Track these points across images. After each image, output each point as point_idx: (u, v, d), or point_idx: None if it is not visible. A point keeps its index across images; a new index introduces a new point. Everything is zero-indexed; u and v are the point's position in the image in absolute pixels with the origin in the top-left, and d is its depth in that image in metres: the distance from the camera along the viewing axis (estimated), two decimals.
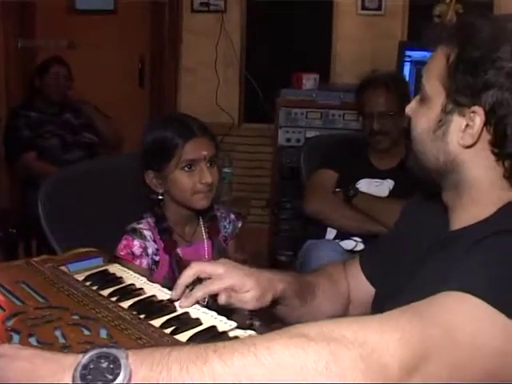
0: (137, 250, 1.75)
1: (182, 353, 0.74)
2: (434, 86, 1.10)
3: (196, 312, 1.08)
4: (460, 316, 0.82)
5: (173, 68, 3.99)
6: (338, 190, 2.54)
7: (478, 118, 1.03)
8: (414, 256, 1.22)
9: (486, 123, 1.03)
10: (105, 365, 0.71)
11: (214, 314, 1.07)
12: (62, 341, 0.94)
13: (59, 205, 1.87)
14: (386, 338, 0.76)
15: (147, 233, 1.78)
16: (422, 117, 1.12)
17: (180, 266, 1.75)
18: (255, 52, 3.94)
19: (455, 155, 1.09)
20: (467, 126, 1.05)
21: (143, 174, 1.80)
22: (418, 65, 3.45)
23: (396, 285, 1.21)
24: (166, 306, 1.10)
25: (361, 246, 2.43)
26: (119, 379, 0.70)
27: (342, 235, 2.49)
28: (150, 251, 1.77)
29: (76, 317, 1.02)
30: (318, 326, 0.77)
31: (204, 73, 3.96)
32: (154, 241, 1.78)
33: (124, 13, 4.07)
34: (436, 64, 1.11)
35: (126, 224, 1.82)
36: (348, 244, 2.46)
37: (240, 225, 2.00)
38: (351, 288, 1.41)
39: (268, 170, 3.86)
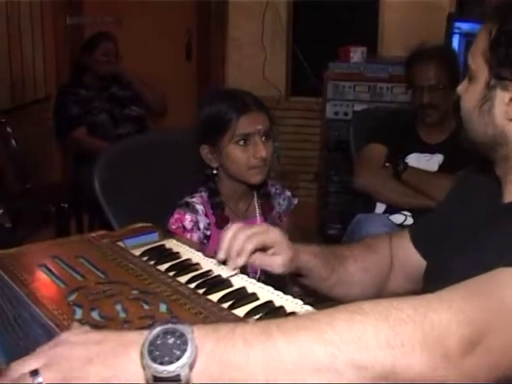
0: (188, 223, 1.77)
1: (247, 328, 0.75)
2: (478, 62, 1.11)
3: (252, 287, 1.09)
4: None
5: (220, 41, 3.99)
6: (387, 164, 2.52)
7: None
8: (466, 229, 1.22)
9: None
10: (171, 340, 0.72)
11: (271, 288, 1.08)
12: (122, 315, 0.95)
13: (114, 179, 1.91)
14: (445, 315, 0.76)
15: (199, 207, 1.79)
16: (469, 94, 1.14)
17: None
18: (302, 25, 3.91)
19: (502, 128, 1.10)
20: (510, 99, 1.07)
21: (198, 149, 1.82)
22: (467, 36, 3.38)
23: (447, 259, 1.21)
24: (223, 281, 1.11)
25: (410, 221, 2.42)
26: (186, 354, 0.71)
27: (392, 209, 2.48)
28: (201, 225, 1.78)
29: (135, 291, 1.04)
30: (377, 303, 0.78)
31: (251, 46, 3.95)
32: (206, 215, 1.80)
33: None
34: (480, 41, 1.12)
35: (180, 199, 1.85)
36: (397, 218, 2.45)
37: (296, 202, 2.00)
38: (398, 258, 1.41)
39: (315, 143, 3.85)
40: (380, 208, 2.51)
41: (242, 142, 1.76)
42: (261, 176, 1.80)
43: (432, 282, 1.25)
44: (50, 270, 1.12)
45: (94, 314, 0.96)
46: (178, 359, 0.71)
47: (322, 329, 0.74)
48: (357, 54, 3.51)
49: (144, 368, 0.72)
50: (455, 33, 3.42)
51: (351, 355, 0.71)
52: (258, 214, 1.89)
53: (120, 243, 1.29)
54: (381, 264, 1.39)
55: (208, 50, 4.04)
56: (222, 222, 1.80)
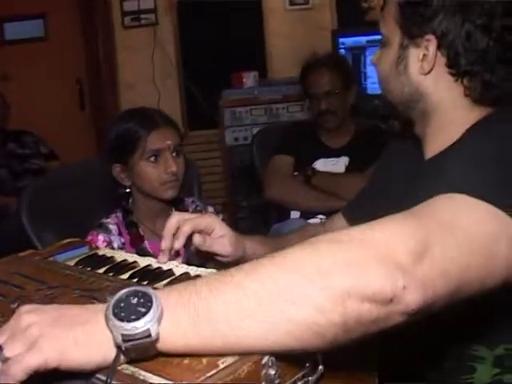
0: (101, 244, 1.76)
1: (207, 278, 0.77)
2: (390, 27, 1.19)
3: (195, 272, 1.10)
4: (448, 208, 0.88)
5: (112, 86, 3.99)
6: (296, 173, 2.60)
7: (432, 45, 1.12)
8: (395, 194, 1.28)
9: (440, 48, 1.12)
10: (135, 301, 0.72)
11: (214, 270, 1.09)
12: None
13: (41, 214, 1.89)
14: (392, 233, 0.81)
15: (112, 227, 1.79)
16: (384, 59, 1.21)
17: None
18: (192, 59, 3.97)
19: (418, 84, 1.17)
20: (424, 55, 1.14)
21: (110, 168, 1.81)
22: (352, 50, 3.55)
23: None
24: (165, 271, 1.11)
25: None
26: (153, 308, 0.71)
27: (306, 215, 2.54)
28: (115, 245, 1.78)
29: (78, 291, 1.02)
30: (326, 234, 0.82)
31: (143, 87, 3.97)
32: (120, 234, 1.80)
33: (55, 38, 4.05)
34: (389, 7, 1.20)
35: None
36: (313, 222, 2.50)
37: (221, 218, 2.01)
38: None
39: (219, 174, 3.89)
40: (294, 216, 2.56)
41: (152, 159, 1.78)
42: (173, 191, 1.81)
43: None
44: None
45: None
46: (144, 315, 0.71)
47: (280, 261, 0.76)
48: (249, 79, 3.60)
49: (111, 330, 0.71)
50: (341, 48, 3.59)
51: (313, 278, 0.73)
52: None
53: (51, 259, 1.26)
54: None
55: (101, 96, 4.04)
56: (136, 241, 1.80)
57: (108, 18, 3.89)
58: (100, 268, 1.17)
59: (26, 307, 0.76)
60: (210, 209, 2.01)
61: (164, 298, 0.73)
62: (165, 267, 1.14)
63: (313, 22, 3.93)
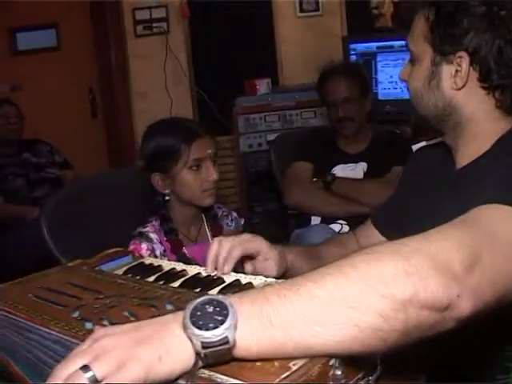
0: (145, 252, 1.81)
1: (275, 286, 0.81)
2: (420, 45, 1.25)
3: (244, 279, 1.13)
4: (495, 219, 0.93)
5: (124, 95, 4.03)
6: (315, 179, 2.64)
7: (464, 62, 1.19)
8: (427, 202, 1.32)
9: (472, 64, 1.19)
10: (210, 309, 0.76)
11: (263, 277, 1.13)
12: (133, 319, 0.97)
13: (62, 225, 1.91)
14: (446, 243, 0.85)
15: (153, 235, 1.83)
16: (415, 75, 1.28)
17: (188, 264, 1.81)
18: (203, 67, 4.01)
19: (451, 98, 1.23)
20: (456, 71, 1.20)
21: (149, 177, 1.86)
22: (363, 56, 3.59)
23: (419, 229, 1.30)
24: (215, 279, 1.15)
25: (346, 228, 2.52)
26: (230, 316, 0.75)
27: (327, 221, 2.58)
28: (157, 253, 1.82)
29: (136, 299, 1.06)
30: (386, 244, 0.87)
31: (156, 95, 4.01)
32: (161, 242, 1.84)
33: (68, 48, 4.09)
34: (417, 27, 1.26)
35: (129, 232, 1.87)
36: (334, 228, 2.54)
37: (243, 222, 2.06)
38: (363, 247, 1.49)
39: (232, 180, 3.92)
40: (315, 221, 2.60)
41: (194, 167, 1.83)
42: (213, 198, 1.88)
43: None
44: (42, 298, 1.12)
45: (105, 323, 0.97)
46: (222, 323, 0.75)
47: (346, 271, 0.80)
48: (263, 86, 3.65)
49: (191, 339, 0.75)
50: (352, 54, 3.63)
51: (378, 287, 0.77)
52: (209, 237, 1.94)
53: (98, 268, 1.30)
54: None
55: (113, 104, 4.08)
56: (176, 247, 1.85)
57: (120, 27, 3.93)
58: (149, 277, 1.21)
59: (103, 329, 0.79)
60: (234, 214, 2.06)
61: (236, 306, 0.77)
62: (213, 275, 1.18)
63: (323, 28, 3.97)
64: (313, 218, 2.61)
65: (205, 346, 0.74)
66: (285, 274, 1.32)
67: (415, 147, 2.78)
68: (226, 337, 0.74)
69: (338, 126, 2.69)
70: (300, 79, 3.94)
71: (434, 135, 1.39)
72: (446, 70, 1.21)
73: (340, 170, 2.64)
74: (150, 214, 1.91)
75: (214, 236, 1.95)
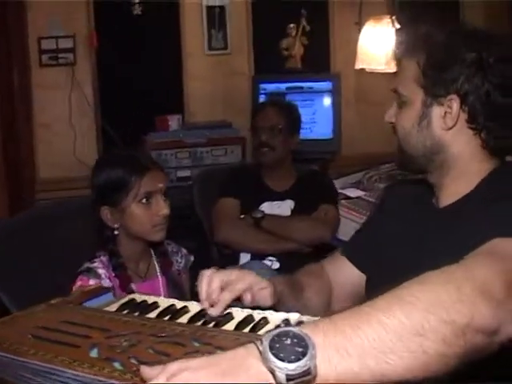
0: None
1: (343, 317, 0.83)
2: (411, 88, 1.33)
3: (256, 314, 1.14)
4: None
5: (27, 127, 3.86)
6: (242, 216, 2.66)
7: (455, 104, 1.27)
8: (407, 238, 1.38)
9: (461, 106, 1.27)
10: (289, 341, 0.76)
11: (271, 311, 1.14)
12: (164, 357, 0.94)
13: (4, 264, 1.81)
14: (486, 271, 0.92)
15: (101, 271, 1.78)
16: (405, 116, 1.34)
17: None
18: (110, 101, 3.93)
19: (439, 138, 1.31)
20: (445, 112, 1.29)
21: (98, 210, 1.81)
22: (273, 95, 3.69)
23: (398, 265, 1.36)
24: (224, 315, 1.14)
25: (276, 265, 2.56)
26: (310, 348, 0.76)
27: (256, 257, 2.60)
28: None
29: (154, 338, 1.03)
30: (435, 274, 0.91)
31: (59, 127, 3.87)
32: (109, 278, 1.79)
33: None
34: (408, 71, 1.33)
35: (74, 269, 1.81)
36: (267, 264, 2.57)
37: (192, 259, 2.04)
38: (337, 282, 1.54)
39: None
40: (245, 258, 2.62)
41: (145, 201, 1.80)
42: (163, 233, 1.85)
43: (383, 288, 1.38)
44: (44, 339, 1.05)
45: (134, 362, 0.94)
46: (304, 354, 0.76)
47: (408, 300, 0.84)
48: (174, 122, 3.64)
49: (273, 371, 0.75)
50: (261, 93, 3.72)
51: (440, 315, 0.82)
52: (158, 273, 1.91)
53: (85, 306, 1.25)
54: (326, 288, 1.51)
55: (15, 137, 3.88)
56: (125, 283, 1.80)
57: (25, 56, 3.78)
58: (148, 313, 1.18)
59: (176, 364, 0.78)
60: (184, 250, 2.04)
61: (311, 336, 0.78)
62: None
63: (231, 66, 4.02)
64: (242, 254, 2.63)
65: (289, 378, 0.74)
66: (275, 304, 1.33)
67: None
68: (309, 368, 0.75)
69: (258, 153, 2.76)
70: (207, 116, 3.97)
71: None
72: (437, 111, 1.29)
73: (267, 207, 2.69)
74: (97, 248, 1.85)
75: (163, 273, 1.92)
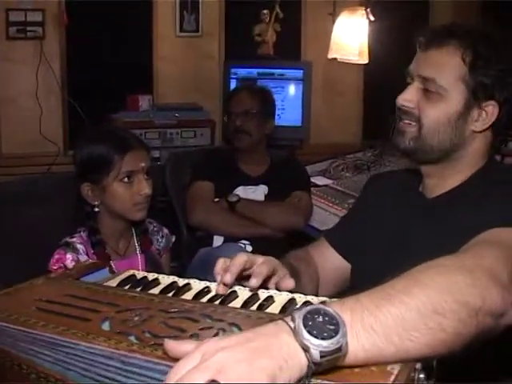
0: (69, 263, 1.75)
1: (368, 296, 0.86)
2: (452, 82, 1.32)
3: (261, 293, 1.15)
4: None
5: None
6: (217, 199, 2.67)
7: (495, 110, 1.31)
8: (393, 226, 1.42)
9: (498, 113, 1.31)
10: (320, 319, 0.78)
11: (277, 291, 1.16)
12: (179, 333, 0.94)
13: None
14: (494, 259, 0.98)
15: (80, 246, 1.78)
16: (440, 110, 1.34)
17: None
18: (78, 78, 3.87)
19: (466, 137, 1.35)
20: (479, 116, 1.32)
21: (79, 187, 1.79)
22: (244, 80, 3.69)
23: (385, 253, 1.39)
24: (230, 294, 1.15)
25: (249, 249, 2.58)
26: (341, 325, 0.78)
27: (230, 240, 2.61)
28: None
29: (164, 313, 1.03)
30: (449, 258, 0.96)
31: (25, 102, 3.79)
32: (87, 254, 1.78)
33: None
34: (451, 65, 1.32)
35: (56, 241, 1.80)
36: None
37: (173, 239, 2.04)
38: (324, 269, 1.57)
39: None
40: (218, 240, 2.63)
41: (126, 180, 1.79)
42: (143, 212, 1.84)
43: (371, 276, 1.41)
44: (51, 311, 1.04)
45: (148, 336, 0.94)
46: (336, 332, 0.78)
47: (425, 282, 0.88)
48: (145, 103, 3.61)
49: (307, 348, 0.76)
50: (232, 78, 3.72)
51: (456, 296, 0.87)
52: (138, 252, 1.91)
53: (83, 281, 1.24)
54: (315, 274, 1.53)
55: None
56: (103, 260, 1.78)
57: None
58: (151, 289, 1.18)
59: (209, 343, 0.78)
60: (166, 230, 2.04)
61: (339, 314, 0.80)
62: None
63: (202, 50, 4.01)
64: (215, 236, 2.63)
65: (322, 355, 0.76)
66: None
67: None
68: (341, 345, 0.77)
69: (234, 138, 2.77)
70: (176, 98, 3.96)
71: None
72: (474, 114, 1.32)
73: (242, 192, 2.70)
74: (78, 224, 1.83)
75: (142, 251, 1.91)
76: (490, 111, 1.31)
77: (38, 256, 1.77)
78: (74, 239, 1.80)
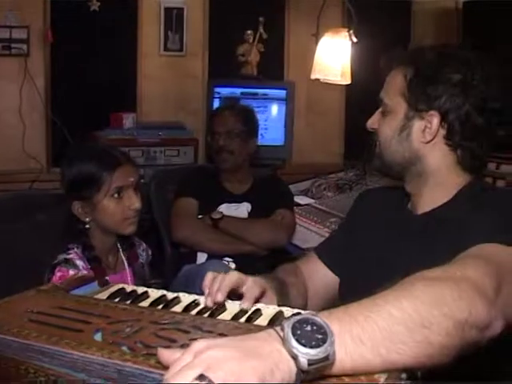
0: None
1: (356, 307, 0.89)
2: (395, 99, 1.41)
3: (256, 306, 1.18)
4: (498, 254, 1.11)
5: None
6: (200, 216, 2.69)
7: (436, 120, 1.36)
8: (380, 242, 1.45)
9: (441, 122, 1.36)
10: (309, 328, 0.81)
11: (263, 305, 1.19)
12: (170, 343, 0.96)
13: None
14: (479, 273, 1.01)
15: (79, 262, 1.79)
16: (387, 125, 1.43)
17: None
18: (62, 96, 3.88)
19: (417, 150, 1.40)
20: (425, 126, 1.37)
21: (69, 205, 1.81)
22: (228, 99, 3.73)
23: (372, 268, 1.43)
24: (216, 308, 1.17)
25: (232, 266, 2.60)
26: (329, 335, 0.80)
27: (213, 257, 2.63)
28: None
29: (155, 325, 1.05)
30: (435, 270, 1.00)
31: (8, 119, 3.80)
32: (86, 270, 1.79)
33: None
34: (395, 83, 1.42)
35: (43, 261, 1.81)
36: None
37: (150, 252, 2.07)
38: (313, 283, 1.59)
39: None
40: (202, 257, 2.65)
41: (116, 195, 1.81)
42: (134, 226, 1.87)
43: (358, 290, 1.44)
44: (42, 323, 1.06)
45: (140, 346, 0.96)
46: (323, 341, 0.81)
47: (415, 295, 0.91)
48: (128, 120, 3.63)
49: (296, 356, 0.79)
50: (215, 97, 3.76)
51: (442, 309, 0.90)
52: (126, 266, 1.93)
53: (74, 294, 1.26)
54: (304, 288, 1.56)
55: None
56: (100, 275, 1.80)
57: None
58: (141, 302, 1.20)
59: (202, 342, 0.80)
60: (144, 245, 2.07)
61: (328, 324, 0.83)
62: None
63: (185, 69, 4.05)
64: (199, 253, 2.66)
65: (310, 363, 0.79)
66: None
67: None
68: (329, 354, 0.80)
69: (217, 158, 2.80)
70: (159, 116, 3.98)
71: None
72: (417, 125, 1.38)
73: (225, 209, 2.73)
74: (67, 240, 1.85)
75: (129, 265, 1.94)
76: (432, 121, 1.36)
77: (23, 270, 1.78)
78: (71, 255, 1.81)
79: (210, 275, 1.25)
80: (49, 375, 0.94)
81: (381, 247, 1.45)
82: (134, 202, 1.84)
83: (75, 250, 1.82)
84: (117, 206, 1.82)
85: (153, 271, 2.07)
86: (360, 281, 1.45)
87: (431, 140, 1.38)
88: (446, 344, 0.88)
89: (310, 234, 2.98)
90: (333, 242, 1.65)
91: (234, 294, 1.24)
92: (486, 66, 1.38)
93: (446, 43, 1.48)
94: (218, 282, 1.22)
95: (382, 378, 0.84)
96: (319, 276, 1.59)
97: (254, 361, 0.77)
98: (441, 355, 0.88)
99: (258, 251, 2.67)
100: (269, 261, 2.58)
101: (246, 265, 2.35)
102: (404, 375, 0.86)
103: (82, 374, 0.91)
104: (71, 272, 1.74)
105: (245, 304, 1.16)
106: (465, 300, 0.92)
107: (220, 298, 1.18)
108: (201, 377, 0.74)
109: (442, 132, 1.37)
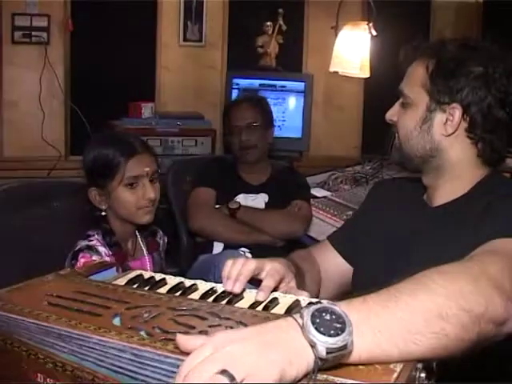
0: None
1: (374, 297, 0.89)
2: (417, 91, 1.40)
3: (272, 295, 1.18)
4: None
5: None
6: (217, 206, 2.70)
7: (458, 112, 1.35)
8: (395, 232, 1.45)
9: (463, 115, 1.35)
10: (328, 317, 0.81)
11: (280, 293, 1.19)
12: (188, 329, 0.96)
13: None
14: (498, 268, 1.00)
15: (101, 248, 1.81)
16: (408, 117, 1.42)
17: None
18: (81, 84, 3.91)
19: (438, 143, 1.39)
20: (447, 119, 1.35)
21: (86, 191, 1.82)
22: (245, 91, 3.73)
23: (388, 260, 1.43)
24: (234, 296, 1.18)
25: (249, 256, 2.60)
26: (348, 323, 0.81)
27: (230, 247, 2.64)
28: None
29: (173, 311, 1.05)
30: (454, 265, 0.99)
31: (28, 106, 3.83)
32: (107, 256, 1.80)
33: None
34: (416, 74, 1.41)
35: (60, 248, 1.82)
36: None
37: (166, 240, 2.07)
38: (327, 272, 1.60)
39: None
40: (218, 247, 2.66)
41: (130, 185, 1.81)
42: (150, 216, 1.87)
43: (372, 280, 1.44)
44: (62, 306, 1.07)
45: (158, 331, 0.97)
46: (342, 330, 0.81)
47: (432, 287, 0.91)
48: (147, 110, 3.65)
49: (314, 344, 0.79)
50: (234, 88, 3.76)
51: (460, 302, 0.90)
52: (145, 253, 1.94)
53: (92, 279, 1.27)
54: (318, 274, 1.57)
55: None
56: (121, 260, 1.82)
57: None
58: (159, 288, 1.21)
59: (220, 335, 0.81)
60: (161, 233, 2.07)
61: (346, 314, 0.83)
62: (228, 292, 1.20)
63: (204, 59, 4.06)
64: (216, 243, 2.66)
65: (328, 351, 0.79)
66: None
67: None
68: (347, 343, 0.80)
69: (241, 153, 2.79)
70: (177, 107, 4.00)
71: None
72: (439, 118, 1.37)
73: (242, 199, 2.74)
74: (86, 227, 1.86)
75: (149, 253, 1.95)
76: (454, 114, 1.35)
77: (40, 257, 1.79)
78: (93, 242, 1.82)
79: (229, 263, 1.25)
80: (56, 362, 0.95)
81: (395, 238, 1.45)
82: (149, 192, 1.84)
83: (96, 236, 1.84)
84: (131, 195, 1.83)
85: (167, 260, 2.08)
86: (373, 271, 1.46)
87: (453, 133, 1.37)
88: (462, 336, 0.88)
89: (326, 226, 2.97)
90: (347, 230, 1.65)
91: (253, 279, 1.25)
92: (508, 59, 1.37)
93: (467, 36, 1.47)
94: (236, 269, 1.22)
95: (398, 367, 0.84)
96: (333, 265, 1.59)
97: (273, 353, 0.77)
98: (456, 347, 0.89)
99: (274, 242, 2.68)
100: (285, 251, 2.57)
101: (262, 255, 2.30)
102: (420, 365, 0.86)
103: (88, 363, 0.91)
104: (94, 258, 1.75)
105: (260, 295, 1.16)
106: (482, 295, 0.92)
107: (238, 289, 1.18)
108: (222, 372, 0.74)
109: (464, 125, 1.36)
